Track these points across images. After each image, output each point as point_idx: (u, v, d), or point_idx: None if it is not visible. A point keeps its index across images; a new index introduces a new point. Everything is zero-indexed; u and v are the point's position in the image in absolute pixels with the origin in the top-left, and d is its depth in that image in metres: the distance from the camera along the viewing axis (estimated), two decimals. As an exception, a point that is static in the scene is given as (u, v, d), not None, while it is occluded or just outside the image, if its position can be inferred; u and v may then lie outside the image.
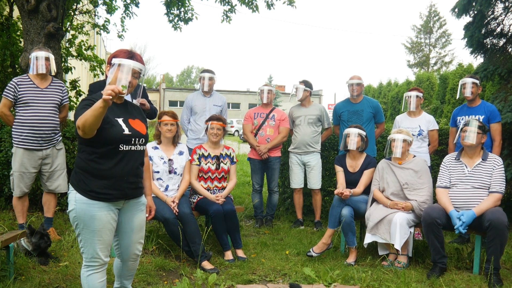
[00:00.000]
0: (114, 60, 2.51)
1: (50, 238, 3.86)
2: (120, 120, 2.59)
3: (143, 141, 2.70)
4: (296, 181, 5.49)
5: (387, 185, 4.22)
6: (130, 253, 2.81)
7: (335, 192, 4.24)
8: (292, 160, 5.51)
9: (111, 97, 2.22)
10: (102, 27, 8.77)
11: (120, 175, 2.58)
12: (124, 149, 2.58)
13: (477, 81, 4.71)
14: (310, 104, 5.54)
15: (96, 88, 4.69)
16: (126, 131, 2.57)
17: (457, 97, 4.98)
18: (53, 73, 4.35)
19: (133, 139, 2.61)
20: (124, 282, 2.97)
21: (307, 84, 5.47)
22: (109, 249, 2.64)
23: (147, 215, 2.98)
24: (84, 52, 8.51)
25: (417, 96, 4.95)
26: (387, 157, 4.36)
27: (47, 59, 4.22)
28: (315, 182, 5.42)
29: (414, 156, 4.29)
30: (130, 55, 2.57)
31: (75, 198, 2.55)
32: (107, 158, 2.54)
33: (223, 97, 5.56)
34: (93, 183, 2.53)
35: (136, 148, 2.65)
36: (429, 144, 5.04)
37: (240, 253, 4.17)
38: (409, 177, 4.13)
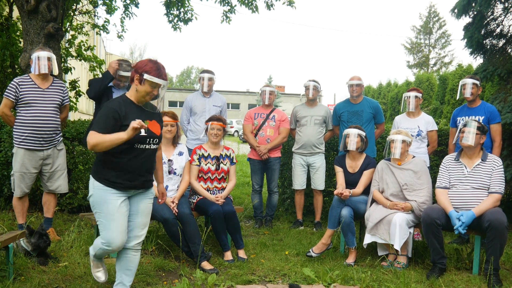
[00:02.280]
0: (146, 77, 2.85)
1: (50, 237, 3.86)
2: None
3: (157, 141, 3.01)
4: (299, 182, 5.48)
5: (386, 186, 4.22)
6: (132, 236, 3.02)
7: (335, 192, 4.24)
8: (295, 161, 5.49)
9: (136, 130, 2.67)
10: (101, 28, 8.78)
11: (134, 169, 2.91)
12: (139, 147, 2.90)
13: (477, 82, 4.71)
14: (316, 104, 5.54)
15: (96, 83, 4.66)
16: (143, 132, 2.85)
17: (457, 97, 4.98)
18: (55, 73, 4.34)
19: (148, 139, 2.92)
20: (124, 277, 3.09)
21: (316, 83, 5.46)
22: (123, 235, 2.90)
23: (159, 200, 3.43)
24: (84, 52, 8.52)
25: (416, 97, 4.95)
26: (387, 157, 4.36)
27: (49, 59, 4.21)
28: (320, 183, 5.42)
29: (413, 156, 4.29)
30: (159, 72, 2.90)
31: (93, 185, 2.91)
32: (124, 154, 2.86)
33: (223, 97, 5.56)
34: (110, 173, 2.87)
35: (150, 147, 2.97)
36: (428, 145, 5.04)
37: (241, 253, 4.17)
38: (408, 178, 4.13)
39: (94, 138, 2.69)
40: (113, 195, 2.86)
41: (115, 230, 2.85)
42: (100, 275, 3.24)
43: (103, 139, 2.67)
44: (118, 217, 2.86)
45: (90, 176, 2.95)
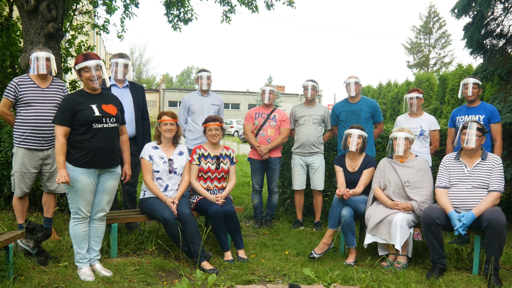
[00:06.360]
0: (77, 67, 3.41)
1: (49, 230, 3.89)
2: (94, 106, 3.42)
3: (114, 120, 3.51)
4: (298, 183, 5.48)
5: (388, 182, 4.22)
6: (98, 210, 3.59)
7: (336, 192, 4.22)
8: (294, 161, 5.48)
9: (61, 180, 3.25)
10: (101, 28, 8.77)
11: (96, 147, 3.41)
12: (97, 127, 3.41)
13: (479, 82, 4.73)
14: (314, 104, 5.53)
15: None
16: (97, 113, 3.40)
17: (458, 96, 4.99)
18: (53, 73, 4.34)
19: (104, 119, 3.43)
20: (93, 243, 3.64)
21: (314, 82, 5.46)
22: (90, 206, 3.51)
23: (122, 178, 3.87)
24: (84, 52, 8.49)
25: (417, 97, 4.97)
26: (389, 155, 4.36)
27: (47, 59, 4.20)
28: (319, 183, 5.41)
29: (416, 156, 4.29)
30: (86, 57, 3.44)
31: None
32: (85, 134, 3.39)
33: (220, 96, 5.56)
34: (76, 154, 3.38)
35: (108, 125, 3.47)
36: (430, 144, 5.04)
37: (241, 253, 4.16)
38: (410, 176, 4.13)
39: (58, 141, 3.33)
40: (81, 175, 3.38)
41: (82, 203, 3.44)
42: (88, 277, 3.47)
43: (57, 150, 3.32)
44: (85, 193, 3.42)
45: None
